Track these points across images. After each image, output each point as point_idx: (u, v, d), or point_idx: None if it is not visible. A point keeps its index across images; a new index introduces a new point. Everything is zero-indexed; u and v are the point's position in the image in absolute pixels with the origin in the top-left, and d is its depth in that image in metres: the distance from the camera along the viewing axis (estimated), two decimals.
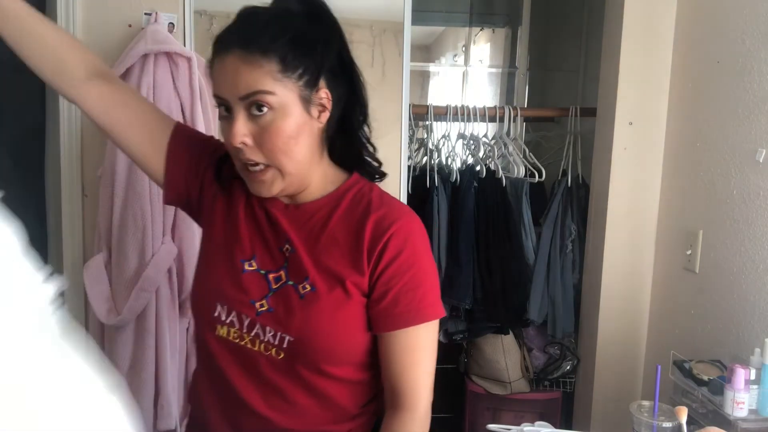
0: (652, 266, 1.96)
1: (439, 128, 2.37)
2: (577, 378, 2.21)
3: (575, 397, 2.21)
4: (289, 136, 0.88)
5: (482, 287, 2.30)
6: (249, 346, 0.93)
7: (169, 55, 1.64)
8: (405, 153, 1.94)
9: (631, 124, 1.91)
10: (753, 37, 1.52)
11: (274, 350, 0.92)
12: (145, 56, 1.62)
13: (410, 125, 2.31)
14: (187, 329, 1.79)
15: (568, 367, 2.22)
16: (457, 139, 2.33)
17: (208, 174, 1.01)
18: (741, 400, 1.28)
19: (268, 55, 0.85)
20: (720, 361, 1.48)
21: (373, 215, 0.93)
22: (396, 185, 1.92)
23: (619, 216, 1.95)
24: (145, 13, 1.70)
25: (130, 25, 1.70)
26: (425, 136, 2.37)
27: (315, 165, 0.95)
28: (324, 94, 0.91)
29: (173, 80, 1.66)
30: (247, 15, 0.90)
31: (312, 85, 0.89)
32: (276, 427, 0.95)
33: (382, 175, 1.03)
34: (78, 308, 1.77)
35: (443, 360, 2.91)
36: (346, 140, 0.98)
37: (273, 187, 0.91)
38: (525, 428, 1.30)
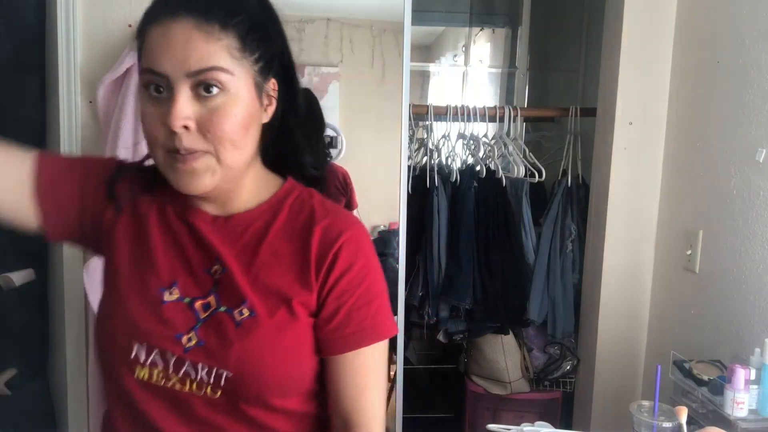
0: (652, 266, 1.96)
1: (438, 128, 2.37)
2: (577, 378, 2.21)
3: (575, 397, 2.21)
4: (239, 123, 0.75)
5: (482, 287, 2.30)
6: (178, 387, 0.79)
7: None
8: (405, 153, 1.94)
9: (631, 123, 1.91)
10: (753, 37, 1.52)
11: (209, 389, 0.78)
12: None
13: (410, 125, 2.31)
14: None
15: (568, 367, 2.22)
16: (457, 139, 2.33)
17: (99, 197, 0.85)
18: (741, 400, 1.28)
19: (227, 29, 0.73)
20: (720, 361, 1.48)
21: (318, 225, 0.82)
22: (396, 185, 1.92)
23: (619, 216, 1.95)
24: None
25: (130, 25, 1.70)
26: (425, 135, 2.37)
27: (250, 165, 0.83)
28: (273, 84, 0.81)
29: None
30: None
31: (266, 72, 0.79)
32: None
33: (319, 181, 0.90)
34: (78, 308, 1.77)
35: (443, 360, 2.91)
36: (285, 139, 0.86)
37: (205, 179, 0.76)
38: (525, 428, 1.30)
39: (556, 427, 1.32)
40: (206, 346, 0.78)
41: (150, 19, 0.75)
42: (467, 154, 2.36)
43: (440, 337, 2.34)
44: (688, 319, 1.75)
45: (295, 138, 0.87)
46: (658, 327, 1.93)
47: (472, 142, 2.35)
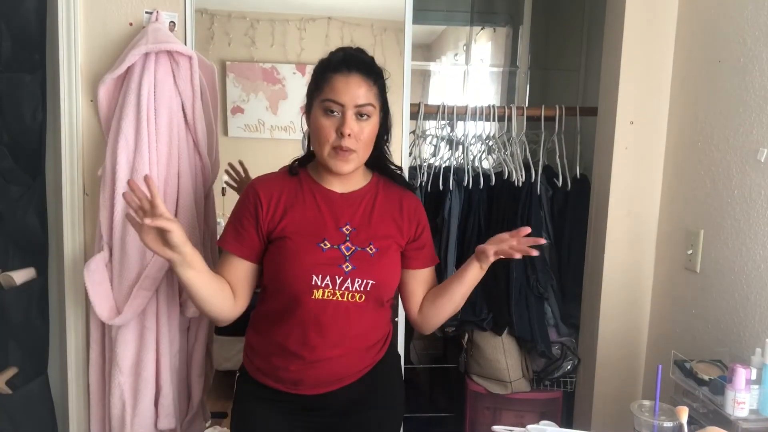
0: (653, 266, 1.96)
1: (450, 129, 2.37)
2: (577, 378, 2.21)
3: (576, 397, 2.21)
4: (372, 136, 1.33)
5: (484, 290, 2.30)
6: (339, 298, 1.31)
7: (170, 54, 1.64)
8: (405, 151, 1.94)
9: (632, 123, 1.91)
10: (754, 37, 1.52)
11: (358, 296, 1.32)
12: (146, 55, 1.62)
13: (416, 125, 2.31)
14: (188, 329, 1.79)
15: (568, 367, 2.22)
16: (471, 141, 2.33)
17: (263, 226, 1.35)
18: (742, 400, 1.28)
19: (377, 83, 1.32)
20: (721, 360, 1.48)
21: (405, 198, 1.43)
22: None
23: (620, 215, 1.95)
24: (146, 12, 1.70)
25: (131, 24, 1.70)
26: (438, 135, 2.37)
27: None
28: (386, 118, 1.39)
29: (174, 79, 1.66)
30: (357, 51, 1.35)
31: (385, 110, 1.37)
32: (351, 350, 1.35)
33: (397, 176, 1.47)
34: (78, 308, 1.77)
35: (444, 359, 2.91)
36: (379, 151, 1.41)
37: (352, 165, 1.32)
38: (530, 428, 1.30)
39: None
40: (358, 268, 1.32)
41: (336, 68, 1.30)
42: (481, 154, 2.36)
43: (436, 330, 2.36)
44: (689, 318, 1.75)
45: (383, 151, 1.43)
46: (658, 327, 1.93)
47: (483, 144, 2.35)
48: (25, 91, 1.63)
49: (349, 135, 1.28)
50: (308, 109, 1.36)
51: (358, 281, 1.31)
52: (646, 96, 1.89)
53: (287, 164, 1.42)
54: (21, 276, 1.68)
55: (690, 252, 1.74)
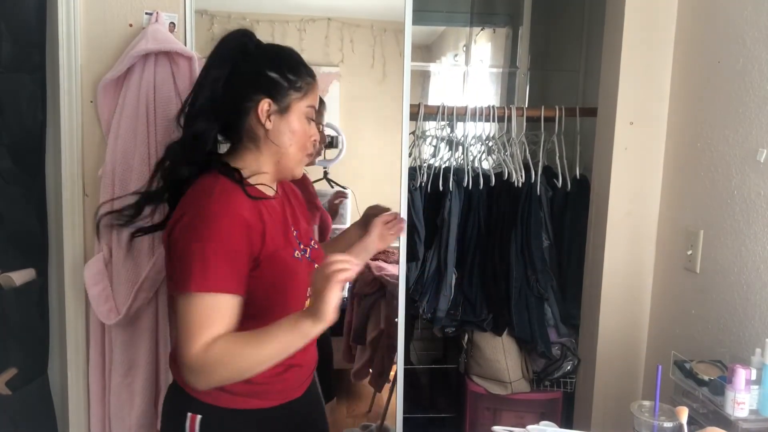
0: (653, 266, 1.96)
1: (448, 130, 2.37)
2: (577, 378, 2.21)
3: (576, 397, 2.21)
4: None
5: (484, 291, 2.31)
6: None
7: (170, 55, 1.64)
8: (405, 151, 1.94)
9: (631, 124, 1.91)
10: (754, 37, 1.52)
11: None
12: (146, 56, 1.62)
13: (416, 125, 2.31)
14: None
15: (568, 367, 2.22)
16: (471, 142, 2.33)
17: (254, 253, 1.17)
18: (742, 401, 1.28)
19: None
20: (721, 361, 1.48)
21: (292, 185, 1.41)
22: (396, 182, 1.91)
23: (620, 216, 1.95)
24: (146, 13, 1.70)
25: (130, 25, 1.70)
26: (438, 135, 2.37)
27: None
28: None
29: (174, 79, 1.66)
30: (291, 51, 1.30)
31: None
32: (314, 352, 1.36)
33: None
34: (78, 308, 1.77)
35: (444, 360, 2.91)
36: None
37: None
38: (530, 428, 1.30)
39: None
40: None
41: (309, 72, 1.25)
42: (480, 154, 2.36)
43: (436, 331, 2.39)
44: (688, 319, 1.75)
45: None
46: (658, 327, 1.93)
47: (483, 144, 2.35)
48: (25, 92, 1.63)
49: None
50: (277, 108, 1.20)
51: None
52: (645, 96, 1.89)
53: (211, 173, 1.19)
54: (21, 277, 1.67)
55: (690, 252, 1.74)
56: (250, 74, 1.21)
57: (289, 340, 1.06)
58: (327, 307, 1.01)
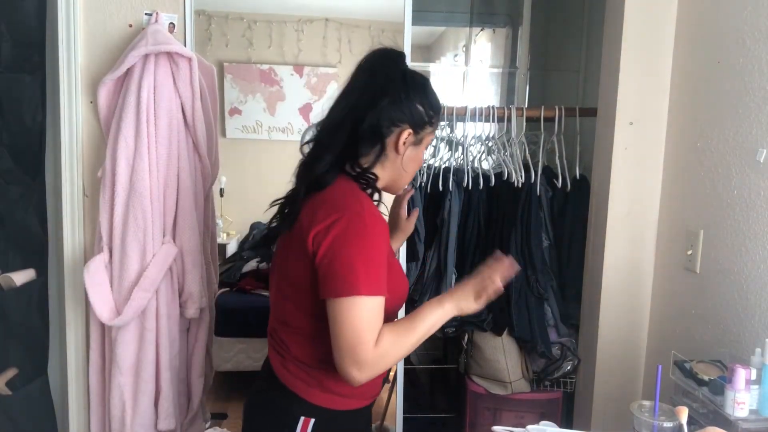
0: (653, 266, 1.96)
1: (449, 130, 2.37)
2: (577, 378, 2.21)
3: (576, 397, 2.21)
4: None
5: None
6: None
7: (170, 55, 1.65)
8: None
9: (631, 124, 1.91)
10: (753, 37, 1.52)
11: None
12: (146, 56, 1.62)
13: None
14: (188, 330, 1.79)
15: (568, 367, 2.22)
16: (471, 142, 2.33)
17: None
18: (742, 401, 1.28)
19: None
20: (720, 361, 1.48)
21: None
22: None
23: (620, 216, 1.95)
24: (146, 14, 1.70)
25: (130, 25, 1.70)
26: (438, 135, 2.37)
27: None
28: None
29: (174, 80, 1.66)
30: None
31: None
32: None
33: None
34: (78, 308, 1.77)
35: (444, 360, 2.91)
36: None
37: None
38: (530, 428, 1.30)
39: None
40: None
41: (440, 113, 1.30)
42: (480, 154, 2.36)
43: (437, 332, 2.37)
44: (688, 319, 1.75)
45: None
46: (658, 327, 1.93)
47: (483, 145, 2.35)
48: (25, 92, 1.64)
49: None
50: (415, 139, 1.24)
51: None
52: (645, 96, 1.90)
53: (349, 191, 1.22)
54: (21, 277, 1.68)
55: (690, 252, 1.74)
56: (402, 101, 1.22)
57: (436, 321, 1.19)
58: (472, 307, 1.20)
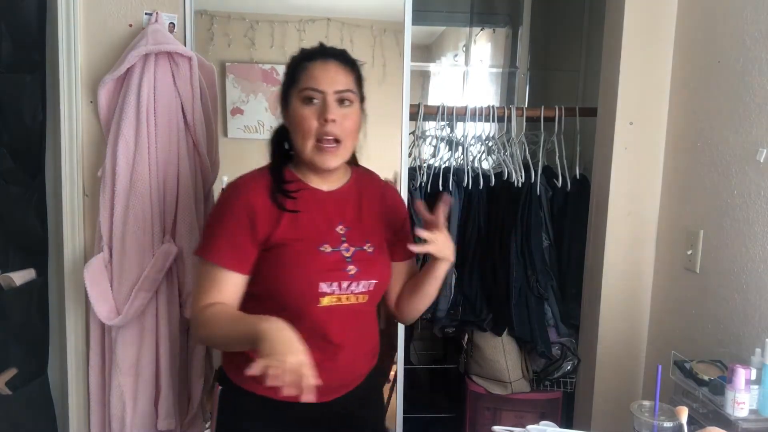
0: (653, 266, 1.96)
1: (448, 130, 2.37)
2: (577, 378, 2.21)
3: (576, 397, 2.21)
4: (356, 123, 1.26)
5: (484, 291, 2.30)
6: (345, 302, 1.26)
7: (170, 55, 1.65)
8: (405, 151, 1.94)
9: (631, 123, 1.91)
10: (753, 37, 1.52)
11: (362, 296, 1.28)
12: (146, 56, 1.62)
13: (416, 125, 2.32)
14: (188, 330, 1.79)
15: (568, 367, 2.22)
16: (471, 142, 2.33)
17: (259, 235, 1.24)
18: (742, 401, 1.28)
19: (354, 70, 1.28)
20: (721, 361, 1.48)
21: (387, 191, 1.41)
22: (397, 183, 1.92)
23: (620, 216, 1.95)
24: (146, 13, 1.70)
25: (130, 25, 1.70)
26: (438, 135, 2.37)
27: None
28: (363, 108, 1.30)
29: (174, 80, 1.66)
30: (330, 46, 1.30)
31: (362, 100, 1.30)
32: (357, 354, 1.32)
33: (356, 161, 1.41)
34: (78, 308, 1.77)
35: (443, 360, 2.91)
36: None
37: (339, 159, 1.25)
38: (530, 428, 1.30)
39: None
40: (362, 270, 1.27)
41: (312, 57, 1.25)
42: (480, 154, 2.36)
43: (436, 331, 2.39)
44: (688, 319, 1.75)
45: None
46: (658, 327, 1.93)
47: (483, 145, 2.35)
48: (25, 92, 1.64)
49: (333, 120, 1.21)
50: (285, 106, 1.28)
51: (363, 283, 1.27)
52: (645, 96, 1.90)
53: (264, 165, 1.32)
54: (21, 277, 1.68)
55: (690, 252, 1.74)
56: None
57: (237, 338, 1.14)
58: (262, 352, 1.01)
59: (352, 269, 1.26)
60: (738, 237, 1.56)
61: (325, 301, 1.24)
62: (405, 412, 2.02)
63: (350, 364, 1.31)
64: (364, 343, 1.34)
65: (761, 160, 1.48)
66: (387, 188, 1.42)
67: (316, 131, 1.22)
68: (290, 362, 0.99)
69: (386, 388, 2.46)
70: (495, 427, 1.32)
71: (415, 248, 1.27)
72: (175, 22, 1.72)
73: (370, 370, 1.39)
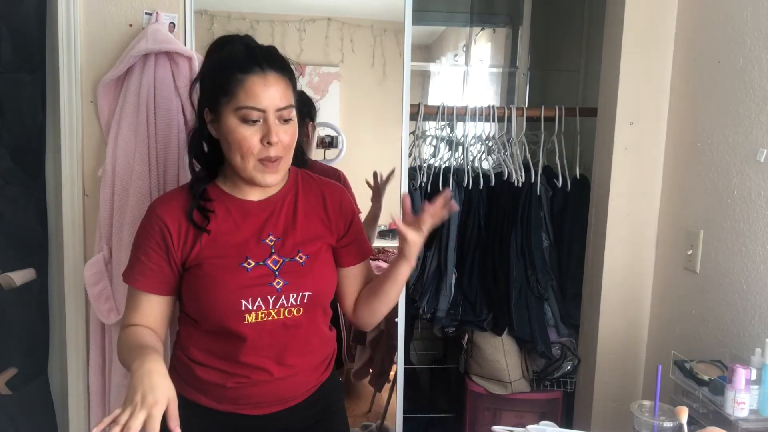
0: (653, 266, 1.96)
1: (448, 130, 2.37)
2: (577, 378, 2.21)
3: (576, 397, 2.21)
4: (295, 134, 1.19)
5: (484, 291, 2.30)
6: (275, 317, 1.19)
7: (170, 55, 1.64)
8: (405, 151, 1.94)
9: (631, 123, 1.91)
10: (754, 37, 1.52)
11: (295, 310, 1.21)
12: (146, 56, 1.62)
13: (416, 125, 2.32)
14: None
15: (568, 367, 2.22)
16: (471, 142, 2.33)
17: (175, 256, 1.20)
18: (742, 401, 1.28)
19: (289, 75, 1.17)
20: (721, 361, 1.48)
21: (327, 191, 1.30)
22: (396, 183, 1.92)
23: (620, 216, 1.95)
24: (146, 13, 1.70)
25: (130, 25, 1.70)
26: (438, 135, 2.37)
27: None
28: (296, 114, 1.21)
29: (174, 80, 1.66)
30: (260, 45, 1.18)
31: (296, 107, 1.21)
32: (299, 368, 1.25)
33: (305, 163, 1.35)
34: (78, 308, 1.77)
35: (443, 359, 2.91)
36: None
37: (279, 174, 1.19)
38: (530, 428, 1.30)
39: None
40: (290, 283, 1.20)
41: (243, 68, 1.13)
42: (481, 154, 2.36)
43: (436, 331, 2.39)
44: (688, 319, 1.75)
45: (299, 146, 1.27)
46: (658, 327, 1.93)
47: (483, 144, 2.35)
48: (25, 92, 1.64)
49: (278, 141, 1.14)
50: (213, 116, 1.17)
51: (293, 296, 1.20)
52: (645, 96, 1.90)
53: (188, 182, 1.26)
54: (21, 277, 1.68)
55: (690, 252, 1.74)
56: (202, 86, 1.22)
57: (128, 368, 1.08)
58: (131, 389, 0.99)
59: (279, 282, 1.19)
60: (738, 237, 1.56)
61: (251, 318, 1.18)
62: (405, 412, 2.03)
63: (288, 378, 1.24)
64: (306, 357, 1.27)
65: (761, 160, 1.48)
66: (328, 188, 1.31)
67: (258, 152, 1.14)
68: (138, 412, 0.95)
69: (386, 388, 2.46)
70: (495, 427, 1.32)
71: (398, 221, 1.22)
72: (175, 22, 1.72)
73: (320, 384, 1.31)
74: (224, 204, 1.22)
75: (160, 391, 0.99)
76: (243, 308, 1.16)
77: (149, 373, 1.01)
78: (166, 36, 1.66)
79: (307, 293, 1.21)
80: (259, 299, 1.17)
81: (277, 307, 1.19)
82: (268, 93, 1.12)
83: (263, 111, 1.13)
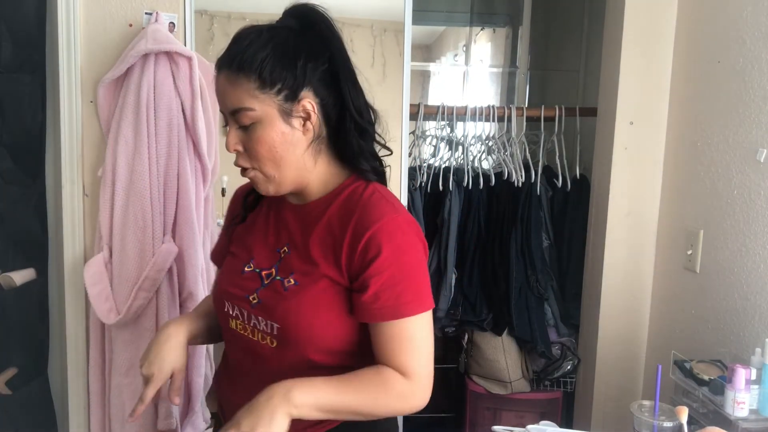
0: (653, 266, 1.96)
1: (448, 130, 2.37)
2: (577, 378, 2.21)
3: (576, 397, 2.21)
4: (272, 145, 0.96)
5: (484, 291, 2.30)
6: (250, 336, 1.03)
7: (170, 55, 1.64)
8: (405, 151, 1.94)
9: (631, 123, 1.91)
10: (754, 37, 1.52)
11: (268, 339, 1.01)
12: (146, 56, 1.62)
13: (416, 125, 2.31)
14: None
15: (568, 367, 2.22)
16: (471, 141, 2.33)
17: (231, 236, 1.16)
18: (742, 400, 1.28)
19: (247, 74, 0.94)
20: (721, 360, 1.48)
21: (355, 216, 0.97)
22: (396, 183, 1.92)
23: (620, 216, 1.95)
24: (146, 13, 1.70)
25: (130, 25, 1.70)
26: (438, 135, 2.37)
27: (308, 169, 1.01)
28: (308, 104, 0.97)
29: (174, 80, 1.66)
30: (237, 35, 0.99)
31: (292, 98, 0.96)
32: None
33: (380, 175, 1.08)
34: (78, 308, 1.77)
35: (443, 360, 2.91)
36: (340, 145, 1.02)
37: (266, 187, 1.01)
38: (530, 428, 1.30)
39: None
40: (263, 303, 1.01)
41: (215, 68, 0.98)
42: (481, 153, 2.36)
43: (436, 330, 2.37)
44: (688, 318, 1.75)
45: (346, 143, 1.02)
46: (658, 327, 1.93)
47: (483, 144, 2.35)
48: (24, 92, 1.64)
49: (237, 150, 0.99)
50: None
51: (262, 320, 1.00)
52: (645, 96, 1.89)
53: None
54: (21, 276, 1.68)
55: (690, 252, 1.74)
56: None
57: None
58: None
59: (255, 299, 1.02)
60: (738, 237, 1.56)
61: (233, 325, 1.06)
62: None
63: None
64: None
65: (761, 160, 1.48)
66: (365, 216, 0.97)
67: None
68: (143, 370, 1.02)
69: None
70: (495, 427, 1.32)
71: None
72: (175, 22, 1.72)
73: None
74: (276, 201, 1.09)
75: (166, 361, 1.00)
76: (226, 310, 1.07)
77: (164, 341, 1.02)
78: (166, 36, 1.66)
79: (275, 324, 0.99)
80: (236, 308, 1.05)
81: (251, 326, 1.03)
82: (219, 95, 0.98)
83: (224, 114, 1.00)
